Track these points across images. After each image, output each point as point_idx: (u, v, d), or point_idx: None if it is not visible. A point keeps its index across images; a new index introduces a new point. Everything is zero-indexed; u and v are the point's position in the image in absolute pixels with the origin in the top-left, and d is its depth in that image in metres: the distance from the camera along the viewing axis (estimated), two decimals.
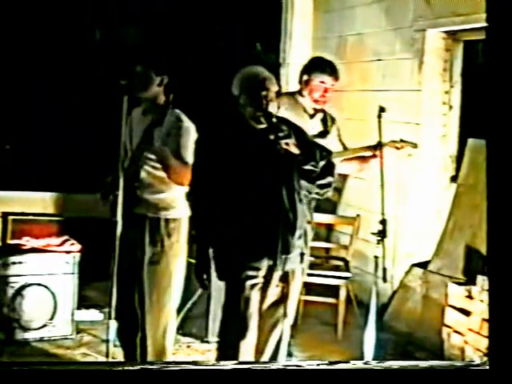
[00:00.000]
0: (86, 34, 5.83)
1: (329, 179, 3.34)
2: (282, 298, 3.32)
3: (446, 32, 4.89)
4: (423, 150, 4.85)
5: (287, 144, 3.20)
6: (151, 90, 3.65)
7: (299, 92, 4.20)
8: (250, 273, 3.23)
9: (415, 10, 4.95)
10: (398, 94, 5.06)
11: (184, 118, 3.63)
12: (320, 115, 4.22)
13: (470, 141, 4.68)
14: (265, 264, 3.24)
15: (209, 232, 3.33)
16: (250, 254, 3.24)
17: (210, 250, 3.30)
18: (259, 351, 3.37)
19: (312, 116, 4.19)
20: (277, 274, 3.27)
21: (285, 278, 3.29)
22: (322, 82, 4.11)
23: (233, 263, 3.27)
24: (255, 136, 3.28)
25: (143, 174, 3.61)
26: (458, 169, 4.86)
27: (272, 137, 3.20)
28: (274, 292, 3.32)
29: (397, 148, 4.02)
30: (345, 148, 4.25)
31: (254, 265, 3.23)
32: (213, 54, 5.90)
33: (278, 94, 3.36)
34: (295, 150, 3.21)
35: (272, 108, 3.25)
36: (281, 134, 3.20)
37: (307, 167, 3.26)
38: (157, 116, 3.58)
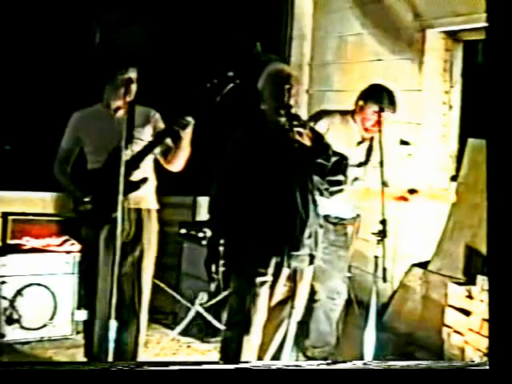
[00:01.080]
0: (87, 34, 5.83)
1: (339, 177, 3.39)
2: (289, 298, 3.34)
3: (445, 32, 4.89)
4: (423, 149, 4.86)
5: (300, 134, 3.24)
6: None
7: (352, 115, 4.10)
8: (260, 269, 3.26)
9: (415, 10, 4.94)
10: (398, 93, 5.05)
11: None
12: (366, 144, 4.11)
13: (470, 141, 4.68)
14: (273, 261, 3.27)
15: (221, 226, 3.39)
16: (260, 250, 3.28)
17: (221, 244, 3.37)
18: (264, 349, 3.40)
19: (359, 143, 4.09)
20: (284, 273, 3.30)
21: (293, 278, 3.31)
22: (376, 112, 3.95)
23: (243, 259, 3.30)
24: (271, 131, 3.35)
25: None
26: (458, 168, 4.86)
27: (287, 125, 3.26)
28: (281, 291, 3.35)
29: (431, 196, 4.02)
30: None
31: (264, 261, 3.27)
32: (212, 54, 5.90)
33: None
34: (307, 142, 3.26)
35: (292, 103, 3.33)
36: (295, 123, 3.26)
37: (319, 161, 3.31)
38: (128, 114, 3.63)
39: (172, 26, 5.93)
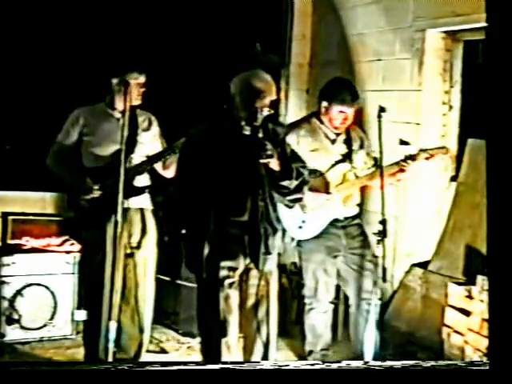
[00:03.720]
0: (88, 33, 5.83)
1: (298, 195, 3.39)
2: (263, 298, 3.34)
3: (445, 32, 4.89)
4: None
5: (268, 162, 3.20)
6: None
7: (318, 117, 4.11)
8: (228, 272, 3.26)
9: (415, 10, 4.94)
10: (398, 94, 5.05)
11: None
12: (342, 137, 4.13)
13: (470, 141, 4.68)
14: (241, 263, 3.27)
15: (181, 228, 3.37)
16: (228, 253, 3.28)
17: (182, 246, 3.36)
18: (248, 352, 3.40)
19: (334, 141, 4.11)
20: (253, 274, 3.30)
21: (264, 278, 3.30)
22: (342, 112, 4.00)
23: (211, 263, 3.28)
24: (241, 137, 3.28)
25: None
26: (457, 169, 4.86)
27: (255, 151, 3.19)
28: (253, 292, 3.35)
29: (427, 158, 3.96)
30: (376, 163, 4.11)
31: (231, 265, 3.27)
32: (212, 54, 5.90)
33: (275, 102, 3.36)
34: (275, 167, 3.22)
35: (262, 115, 3.23)
36: (263, 154, 3.17)
37: (282, 183, 3.30)
38: (130, 116, 3.66)
39: (171, 27, 5.93)
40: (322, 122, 4.09)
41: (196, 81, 5.84)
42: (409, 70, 5.01)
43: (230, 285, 3.28)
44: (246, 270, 3.32)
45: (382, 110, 3.88)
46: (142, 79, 3.73)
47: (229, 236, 3.26)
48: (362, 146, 4.15)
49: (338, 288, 4.74)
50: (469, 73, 4.95)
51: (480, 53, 4.90)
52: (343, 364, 2.91)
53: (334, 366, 2.84)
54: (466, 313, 4.16)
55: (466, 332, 4.12)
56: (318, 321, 4.18)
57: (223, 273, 3.26)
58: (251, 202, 3.26)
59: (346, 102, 3.99)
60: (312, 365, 2.82)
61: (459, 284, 4.32)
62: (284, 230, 3.38)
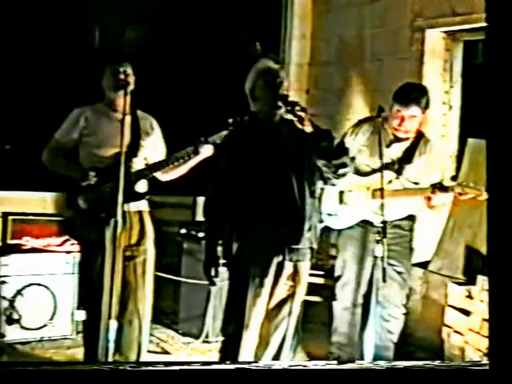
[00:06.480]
0: (89, 34, 5.84)
1: (344, 159, 3.35)
2: (289, 297, 3.35)
3: (445, 32, 4.89)
4: None
5: (302, 119, 3.23)
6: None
7: (385, 117, 3.99)
8: (261, 270, 3.26)
9: (415, 10, 4.95)
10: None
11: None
12: (403, 144, 3.97)
13: (470, 141, 4.68)
14: (275, 261, 3.27)
15: (219, 228, 3.38)
16: (261, 249, 3.28)
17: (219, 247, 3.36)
18: (262, 349, 3.40)
19: (389, 144, 3.97)
20: (286, 272, 3.31)
21: (293, 276, 3.32)
22: (399, 112, 3.87)
23: (244, 260, 3.29)
24: (266, 129, 3.35)
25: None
26: (458, 169, 4.86)
27: (289, 113, 3.26)
28: (281, 290, 3.35)
29: (460, 194, 3.89)
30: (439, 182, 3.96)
31: (265, 261, 3.27)
32: (212, 54, 5.90)
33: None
34: (309, 128, 3.25)
35: (284, 88, 3.38)
36: (297, 108, 3.25)
37: (323, 144, 3.29)
38: (132, 120, 3.64)
39: (171, 26, 5.93)
40: (386, 120, 3.98)
41: (195, 82, 5.84)
42: (409, 70, 5.01)
43: (264, 284, 3.29)
44: (280, 267, 3.31)
45: (381, 110, 3.87)
46: (124, 69, 3.67)
47: (262, 230, 3.29)
48: (427, 160, 4.00)
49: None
50: (469, 73, 4.95)
51: (480, 53, 4.91)
52: (344, 364, 2.91)
53: (335, 366, 2.84)
54: (466, 313, 4.16)
55: (466, 332, 4.13)
56: (340, 316, 4.16)
57: (256, 270, 3.27)
58: (284, 192, 3.29)
59: (404, 102, 3.86)
60: (313, 365, 2.82)
61: (459, 284, 4.32)
62: (316, 224, 3.38)
